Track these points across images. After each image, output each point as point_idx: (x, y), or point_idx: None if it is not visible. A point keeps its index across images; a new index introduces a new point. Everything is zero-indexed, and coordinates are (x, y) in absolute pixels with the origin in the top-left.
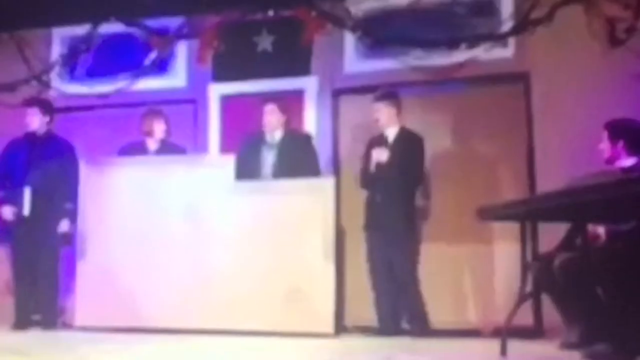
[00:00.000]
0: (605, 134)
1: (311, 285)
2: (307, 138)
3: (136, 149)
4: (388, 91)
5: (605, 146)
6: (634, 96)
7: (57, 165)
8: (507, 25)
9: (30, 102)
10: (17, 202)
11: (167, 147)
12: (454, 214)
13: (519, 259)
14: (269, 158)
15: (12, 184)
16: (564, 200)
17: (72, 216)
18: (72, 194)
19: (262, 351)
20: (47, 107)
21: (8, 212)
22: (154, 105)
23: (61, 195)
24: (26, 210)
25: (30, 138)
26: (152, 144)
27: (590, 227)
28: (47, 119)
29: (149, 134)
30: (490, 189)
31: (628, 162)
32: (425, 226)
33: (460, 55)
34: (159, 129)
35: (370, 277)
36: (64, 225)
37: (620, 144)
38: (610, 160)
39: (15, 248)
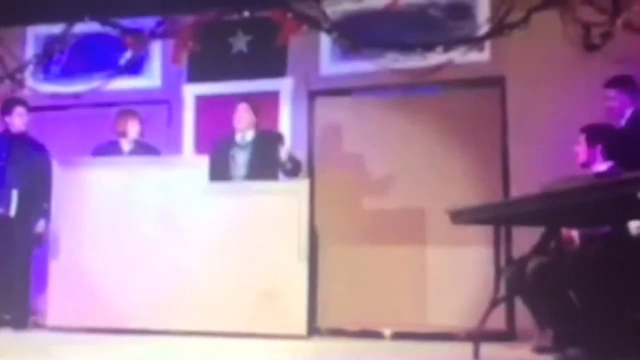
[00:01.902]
0: (582, 137)
1: (284, 287)
2: (279, 137)
3: (110, 149)
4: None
5: (581, 149)
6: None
7: (34, 164)
8: (483, 29)
9: (15, 102)
10: (3, 202)
11: (141, 148)
12: (428, 216)
13: (492, 263)
14: (241, 159)
15: None
16: (538, 204)
17: (48, 216)
18: (47, 194)
19: (235, 353)
20: (27, 107)
21: None
22: (128, 105)
23: (39, 194)
24: (12, 211)
25: (7, 137)
26: (126, 145)
27: (565, 231)
28: (27, 119)
29: (123, 134)
30: (464, 192)
31: (603, 166)
32: (398, 229)
33: (436, 58)
34: (133, 129)
35: None
36: (40, 226)
37: (598, 148)
38: (586, 164)
39: None
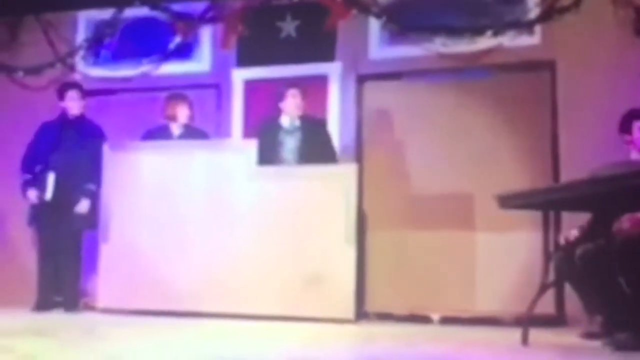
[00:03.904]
0: None
1: (332, 271)
2: (322, 123)
3: (160, 133)
4: None
5: None
6: None
7: (85, 148)
8: (533, 13)
9: (68, 86)
10: (42, 186)
11: (191, 132)
12: (476, 201)
13: (541, 248)
14: (289, 145)
15: (41, 168)
16: (587, 190)
17: (94, 197)
18: (96, 177)
19: (282, 336)
20: (82, 91)
21: (33, 195)
22: (178, 89)
23: (85, 177)
24: (49, 194)
25: (63, 122)
26: (175, 129)
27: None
28: (83, 102)
29: (173, 118)
30: (513, 177)
31: None
32: (447, 213)
33: (486, 43)
34: (182, 113)
35: None
36: (83, 206)
37: None
38: None
39: (40, 230)
